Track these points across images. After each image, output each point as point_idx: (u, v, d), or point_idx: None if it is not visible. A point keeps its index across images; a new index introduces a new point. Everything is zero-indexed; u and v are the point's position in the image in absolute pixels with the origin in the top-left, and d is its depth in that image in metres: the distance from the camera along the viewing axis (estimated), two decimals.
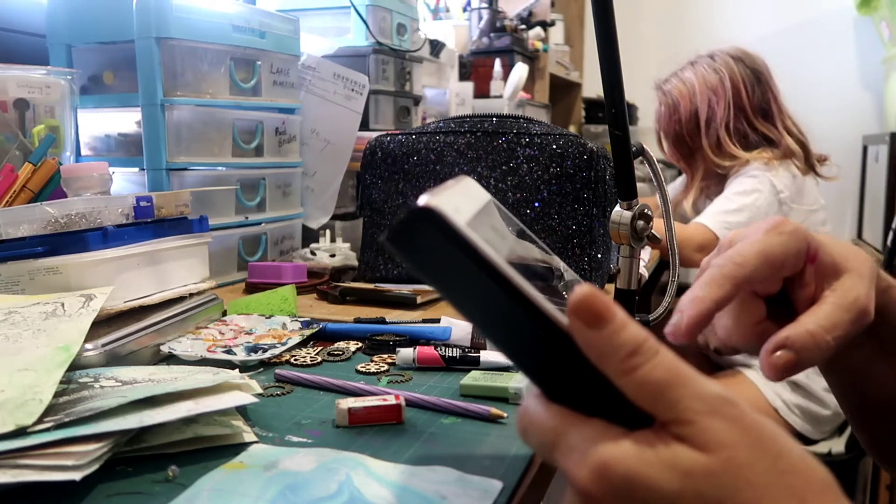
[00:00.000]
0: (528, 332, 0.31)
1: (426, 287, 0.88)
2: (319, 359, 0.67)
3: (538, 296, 0.31)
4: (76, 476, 0.39)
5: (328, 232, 1.16)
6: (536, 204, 0.93)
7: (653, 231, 0.71)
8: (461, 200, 0.33)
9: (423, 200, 0.30)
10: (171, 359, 0.65)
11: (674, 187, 1.97)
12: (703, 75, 1.70)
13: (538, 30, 2.58)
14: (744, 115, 1.68)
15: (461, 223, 0.30)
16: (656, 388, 0.30)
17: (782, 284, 0.45)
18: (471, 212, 0.33)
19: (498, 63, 2.16)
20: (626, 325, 0.30)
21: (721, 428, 0.29)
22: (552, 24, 2.73)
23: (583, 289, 0.30)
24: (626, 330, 0.30)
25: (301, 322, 0.75)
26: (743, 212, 1.58)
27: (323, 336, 0.74)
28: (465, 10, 2.42)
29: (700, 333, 0.40)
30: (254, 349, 0.66)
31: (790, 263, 0.43)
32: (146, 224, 0.72)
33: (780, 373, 0.40)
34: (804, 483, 0.30)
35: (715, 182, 1.73)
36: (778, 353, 0.40)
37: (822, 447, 1.57)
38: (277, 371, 0.62)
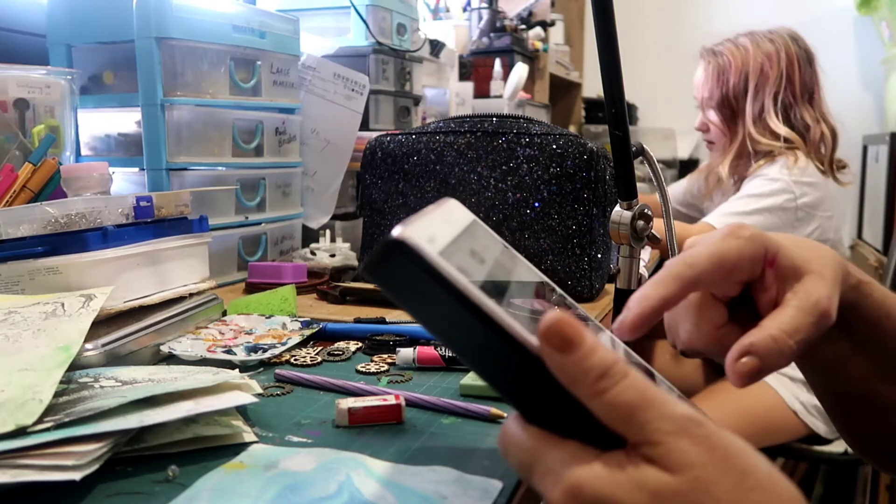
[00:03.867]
0: (502, 357, 0.32)
1: None
2: (319, 359, 0.67)
3: (511, 321, 0.31)
4: (76, 476, 0.39)
5: (328, 232, 1.16)
6: (536, 204, 0.93)
7: (653, 231, 0.71)
8: (438, 227, 0.34)
9: (396, 231, 0.31)
10: (171, 359, 0.65)
11: (674, 187, 1.97)
12: (759, 42, 1.71)
13: (538, 30, 2.57)
14: (791, 90, 1.67)
15: (432, 253, 0.31)
16: (626, 410, 0.31)
17: (742, 288, 0.45)
18: (447, 239, 0.34)
19: (498, 63, 2.16)
20: (596, 350, 0.31)
21: (688, 448, 0.30)
22: (552, 24, 2.73)
23: (552, 315, 0.31)
24: (595, 354, 0.31)
25: (301, 322, 0.75)
26: (753, 216, 1.56)
27: (323, 336, 0.74)
28: (465, 10, 2.42)
29: (647, 330, 0.41)
30: (254, 349, 0.66)
31: (745, 267, 0.43)
32: (146, 224, 0.72)
33: (746, 379, 0.40)
34: (771, 499, 0.30)
35: (743, 163, 1.70)
36: (743, 359, 0.40)
37: (838, 447, 1.54)
38: (277, 371, 0.62)
